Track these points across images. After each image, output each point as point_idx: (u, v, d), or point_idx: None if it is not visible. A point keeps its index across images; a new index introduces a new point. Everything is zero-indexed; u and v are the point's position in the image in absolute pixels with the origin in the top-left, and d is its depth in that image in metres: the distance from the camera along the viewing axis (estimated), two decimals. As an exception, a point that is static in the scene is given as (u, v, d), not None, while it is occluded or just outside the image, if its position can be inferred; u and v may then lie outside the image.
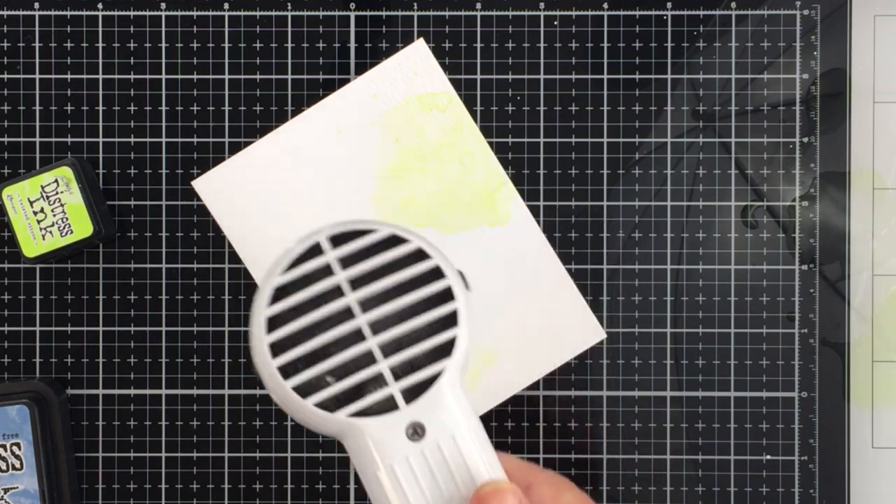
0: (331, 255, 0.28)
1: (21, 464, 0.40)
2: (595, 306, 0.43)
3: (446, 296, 0.28)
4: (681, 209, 0.43)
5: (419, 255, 0.28)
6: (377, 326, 0.28)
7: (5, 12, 0.43)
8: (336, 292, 0.28)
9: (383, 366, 0.27)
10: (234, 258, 0.43)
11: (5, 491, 0.40)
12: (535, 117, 0.43)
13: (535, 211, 0.43)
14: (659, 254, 0.43)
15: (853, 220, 0.43)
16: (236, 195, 0.42)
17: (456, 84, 0.43)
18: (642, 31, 0.43)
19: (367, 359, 0.28)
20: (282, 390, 0.27)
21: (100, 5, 0.43)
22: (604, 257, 0.43)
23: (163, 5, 0.43)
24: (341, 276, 0.28)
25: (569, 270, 0.43)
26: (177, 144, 0.43)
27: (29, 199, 0.41)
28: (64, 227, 0.41)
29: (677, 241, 0.43)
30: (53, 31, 0.43)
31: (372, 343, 0.27)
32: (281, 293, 0.28)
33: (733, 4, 0.43)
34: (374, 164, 0.42)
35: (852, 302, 0.43)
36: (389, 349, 0.28)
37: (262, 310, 0.27)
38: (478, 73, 0.43)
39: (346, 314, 0.28)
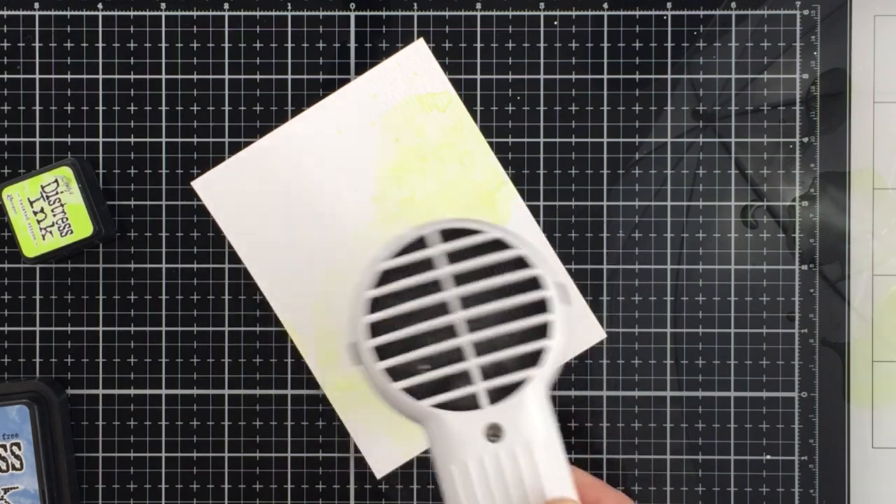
0: (439, 249, 0.29)
1: (21, 464, 0.40)
2: (595, 306, 0.43)
3: (543, 306, 0.28)
4: (681, 209, 0.43)
5: (523, 263, 0.29)
6: (473, 325, 0.28)
7: (5, 12, 0.43)
8: (436, 285, 0.29)
9: (473, 364, 0.28)
10: (234, 258, 0.42)
11: (5, 491, 0.40)
12: (535, 117, 0.43)
13: (535, 211, 0.43)
14: (659, 254, 0.43)
15: (853, 220, 0.43)
16: (236, 195, 0.42)
17: (456, 84, 0.43)
18: (642, 31, 0.43)
19: (458, 354, 0.28)
20: (375, 371, 0.28)
21: (100, 5, 0.43)
22: (604, 257, 0.43)
23: (163, 5, 0.43)
24: (446, 271, 0.28)
25: (569, 270, 0.42)
26: (177, 144, 0.43)
27: (29, 199, 0.41)
28: (64, 227, 0.41)
29: (677, 241, 0.43)
30: (53, 31, 0.43)
31: (465, 340, 0.28)
32: (385, 278, 0.29)
33: (733, 4, 0.43)
34: (374, 164, 0.42)
35: (852, 302, 0.43)
36: (481, 349, 0.28)
37: (366, 290, 0.28)
38: (478, 73, 0.43)
39: (443, 308, 0.28)
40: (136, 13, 0.43)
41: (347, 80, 0.43)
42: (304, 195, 0.42)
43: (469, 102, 0.43)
